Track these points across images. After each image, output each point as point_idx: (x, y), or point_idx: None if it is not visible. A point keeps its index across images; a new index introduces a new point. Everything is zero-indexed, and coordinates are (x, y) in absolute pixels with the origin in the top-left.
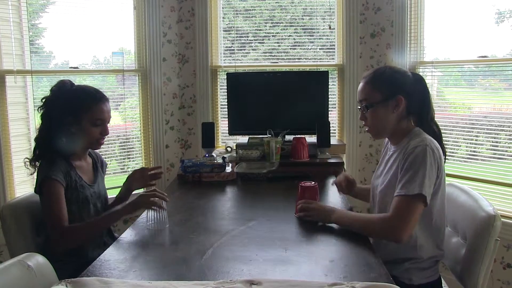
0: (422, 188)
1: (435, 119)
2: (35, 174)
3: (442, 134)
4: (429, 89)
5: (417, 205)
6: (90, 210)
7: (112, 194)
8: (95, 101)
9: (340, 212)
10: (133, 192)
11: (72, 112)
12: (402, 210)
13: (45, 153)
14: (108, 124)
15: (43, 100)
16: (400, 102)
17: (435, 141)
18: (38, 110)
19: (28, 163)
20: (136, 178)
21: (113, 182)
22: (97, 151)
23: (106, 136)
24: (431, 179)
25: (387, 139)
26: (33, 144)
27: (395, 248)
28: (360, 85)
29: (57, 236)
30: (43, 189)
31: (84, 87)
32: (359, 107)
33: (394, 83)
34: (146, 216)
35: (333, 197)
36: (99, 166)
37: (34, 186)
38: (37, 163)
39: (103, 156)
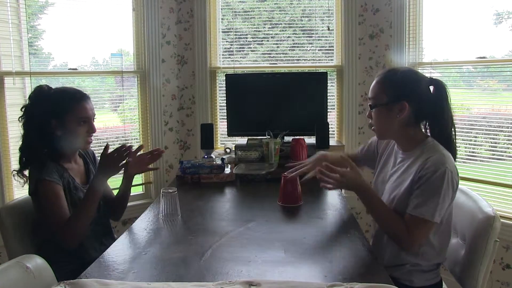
0: (434, 215)
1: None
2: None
3: (456, 147)
4: (448, 98)
5: (428, 227)
6: None
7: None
8: (76, 100)
9: (369, 190)
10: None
11: (55, 115)
12: (414, 230)
13: (33, 160)
14: (94, 122)
15: (23, 109)
16: (404, 108)
17: (451, 157)
18: (19, 119)
19: (16, 174)
20: (132, 164)
21: (112, 184)
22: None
23: (96, 133)
24: (445, 202)
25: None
26: (18, 149)
27: (397, 252)
28: (373, 82)
29: (67, 235)
30: (39, 192)
31: (63, 88)
32: (368, 104)
33: (402, 87)
34: (158, 207)
35: (332, 198)
36: (91, 166)
37: (28, 189)
38: (25, 172)
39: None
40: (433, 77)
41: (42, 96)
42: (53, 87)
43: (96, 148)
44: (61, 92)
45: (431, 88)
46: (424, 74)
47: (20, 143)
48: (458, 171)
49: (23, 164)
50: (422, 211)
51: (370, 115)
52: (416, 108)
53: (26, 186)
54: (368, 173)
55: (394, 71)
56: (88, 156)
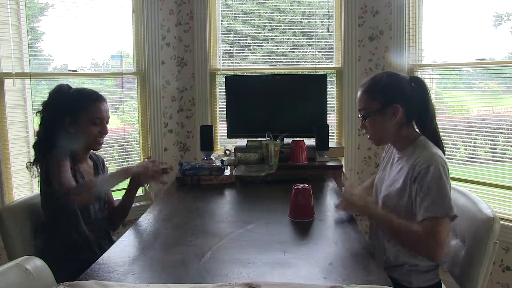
0: (450, 209)
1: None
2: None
3: (441, 137)
4: (429, 92)
5: (447, 224)
6: (89, 210)
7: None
8: (92, 100)
9: (379, 211)
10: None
11: (71, 113)
12: (437, 234)
13: (47, 154)
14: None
15: (42, 105)
16: (397, 110)
17: (440, 152)
18: (36, 114)
19: (30, 166)
20: (146, 175)
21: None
22: (99, 153)
23: (106, 136)
24: (449, 193)
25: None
26: (31, 147)
27: (396, 253)
28: (358, 93)
29: (67, 193)
30: (53, 157)
31: (82, 88)
32: (359, 116)
33: (391, 91)
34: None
35: (331, 199)
36: (100, 169)
37: (39, 179)
38: (39, 167)
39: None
40: (412, 75)
41: (62, 94)
42: (73, 87)
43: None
44: (79, 91)
45: (412, 85)
46: (403, 74)
47: (37, 138)
48: (458, 172)
49: (36, 159)
50: (436, 210)
51: (364, 125)
52: (406, 108)
53: (27, 186)
54: (367, 173)
55: (377, 77)
56: (98, 162)
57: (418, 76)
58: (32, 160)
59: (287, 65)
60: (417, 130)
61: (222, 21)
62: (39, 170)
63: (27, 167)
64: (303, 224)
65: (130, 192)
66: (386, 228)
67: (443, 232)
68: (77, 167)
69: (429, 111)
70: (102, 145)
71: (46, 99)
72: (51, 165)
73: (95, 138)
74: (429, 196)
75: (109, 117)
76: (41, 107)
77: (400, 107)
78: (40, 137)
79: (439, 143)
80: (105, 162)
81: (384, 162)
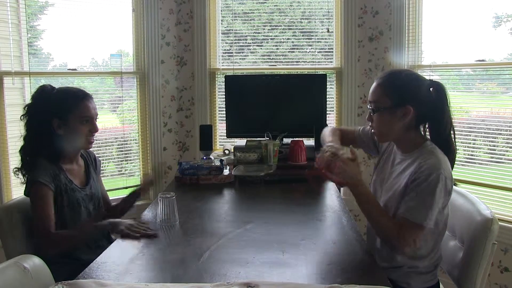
0: (426, 220)
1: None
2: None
3: (456, 147)
4: (448, 99)
5: (419, 231)
6: (81, 213)
7: (110, 196)
8: (79, 99)
9: (365, 188)
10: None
11: (58, 114)
12: (405, 232)
13: (31, 160)
14: (97, 122)
15: (25, 108)
16: (409, 112)
17: (447, 161)
18: (21, 118)
19: (17, 172)
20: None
21: (111, 185)
22: (90, 149)
23: (96, 134)
24: (437, 207)
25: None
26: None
27: (393, 254)
28: (373, 85)
29: (43, 241)
30: (30, 193)
31: (66, 88)
32: (369, 107)
33: (406, 91)
34: (156, 211)
35: (330, 200)
36: (91, 168)
37: (24, 189)
38: (25, 173)
39: (100, 158)
40: (433, 79)
41: (45, 95)
42: (56, 87)
43: (96, 149)
44: (63, 92)
45: (431, 90)
46: (424, 76)
47: (22, 143)
48: (457, 173)
49: (24, 164)
50: (415, 215)
51: (371, 118)
52: (418, 112)
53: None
54: (366, 174)
55: (396, 74)
56: (89, 159)
57: (440, 82)
58: (19, 167)
59: (287, 65)
60: (423, 134)
61: (222, 20)
62: (25, 177)
63: (14, 173)
64: (302, 225)
65: (129, 201)
66: (368, 209)
67: (414, 236)
68: (64, 170)
69: (444, 118)
70: (93, 143)
71: (30, 101)
72: (31, 197)
73: (86, 137)
74: (417, 199)
75: (97, 114)
76: (24, 111)
77: (412, 109)
78: (27, 142)
79: (449, 152)
80: (97, 157)
81: (382, 161)
